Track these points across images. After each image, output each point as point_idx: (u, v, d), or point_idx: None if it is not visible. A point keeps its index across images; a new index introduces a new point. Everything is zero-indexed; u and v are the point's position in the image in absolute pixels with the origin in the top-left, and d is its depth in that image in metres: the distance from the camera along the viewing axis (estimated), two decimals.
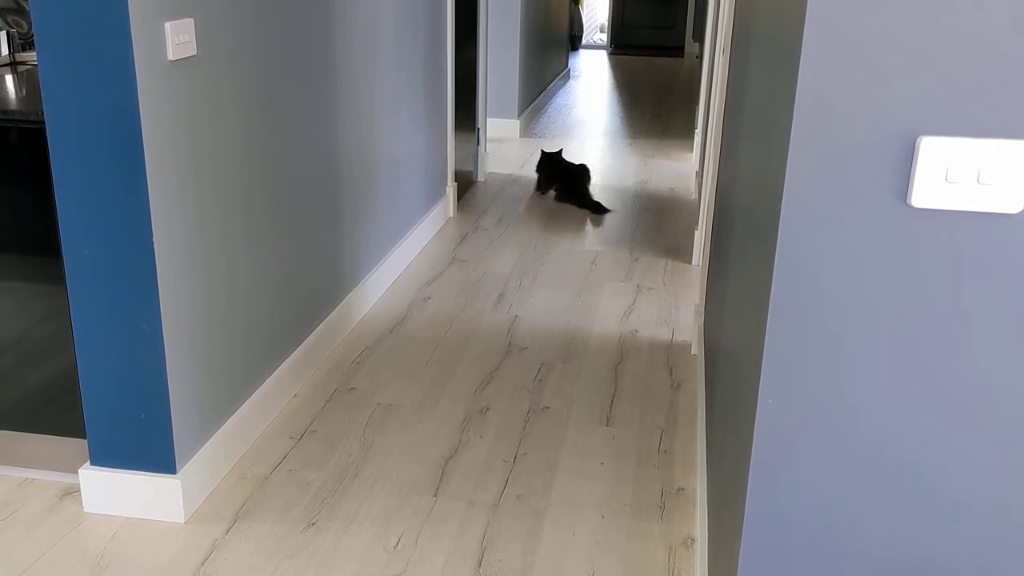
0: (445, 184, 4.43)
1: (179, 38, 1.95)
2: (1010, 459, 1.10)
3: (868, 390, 1.11)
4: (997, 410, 1.08)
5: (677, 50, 10.63)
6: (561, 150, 5.11)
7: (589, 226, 4.41)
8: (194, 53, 2.02)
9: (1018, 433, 1.09)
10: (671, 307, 3.46)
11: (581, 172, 4.95)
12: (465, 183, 4.89)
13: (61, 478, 2.27)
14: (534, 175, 5.21)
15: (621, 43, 10.78)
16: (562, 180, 4.89)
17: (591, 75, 9.15)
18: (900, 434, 1.11)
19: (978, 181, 0.99)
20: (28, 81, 2.41)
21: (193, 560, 2.01)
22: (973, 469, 1.11)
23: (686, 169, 5.55)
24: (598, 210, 4.65)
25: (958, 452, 1.11)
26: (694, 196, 4.95)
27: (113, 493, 2.14)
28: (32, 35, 2.68)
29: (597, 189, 5.04)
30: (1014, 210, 1.00)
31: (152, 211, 1.93)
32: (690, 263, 3.93)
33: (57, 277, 2.13)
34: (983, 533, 1.14)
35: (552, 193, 4.90)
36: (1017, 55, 0.96)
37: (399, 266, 3.71)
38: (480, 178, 5.19)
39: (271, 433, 2.52)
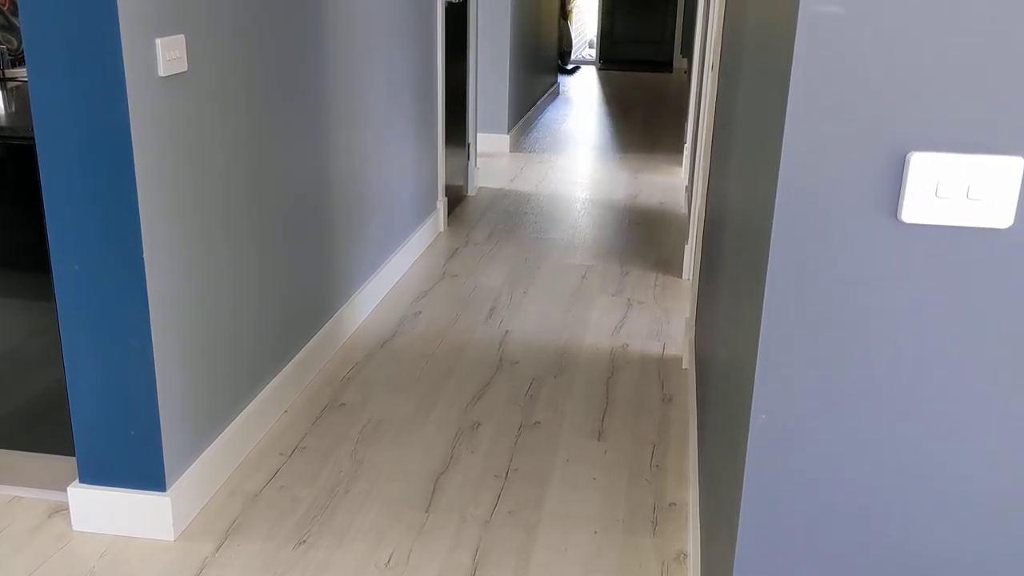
0: (435, 199, 4.43)
1: (170, 54, 1.95)
2: (1002, 478, 1.10)
3: (860, 406, 1.11)
4: (990, 427, 1.09)
5: (666, 65, 10.69)
6: None
7: (579, 240, 4.42)
8: (185, 69, 2.02)
9: (1009, 451, 1.09)
10: (662, 321, 3.46)
11: None
12: (455, 198, 4.90)
13: (50, 496, 2.25)
14: (524, 189, 5.22)
15: (610, 58, 10.82)
16: None
17: (580, 90, 9.19)
18: (892, 450, 1.12)
19: (968, 196, 1.00)
20: (18, 97, 2.40)
21: None
22: (967, 487, 1.11)
23: (676, 183, 5.57)
24: None
25: (950, 468, 1.11)
26: (684, 210, 4.97)
27: (102, 511, 2.12)
28: (22, 51, 2.68)
29: (587, 204, 5.06)
30: (1003, 225, 1.01)
31: (142, 227, 1.93)
32: (680, 277, 3.94)
33: (46, 293, 2.13)
34: (981, 547, 1.14)
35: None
36: (1005, 71, 0.97)
37: (390, 281, 3.71)
38: (471, 192, 5.20)
39: (261, 449, 2.51)
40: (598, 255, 4.22)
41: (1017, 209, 1.01)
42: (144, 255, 1.94)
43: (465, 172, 5.12)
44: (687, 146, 5.45)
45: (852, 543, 1.17)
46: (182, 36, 2.00)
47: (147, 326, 1.98)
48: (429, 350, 3.15)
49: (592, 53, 11.94)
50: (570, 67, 10.32)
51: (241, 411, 2.44)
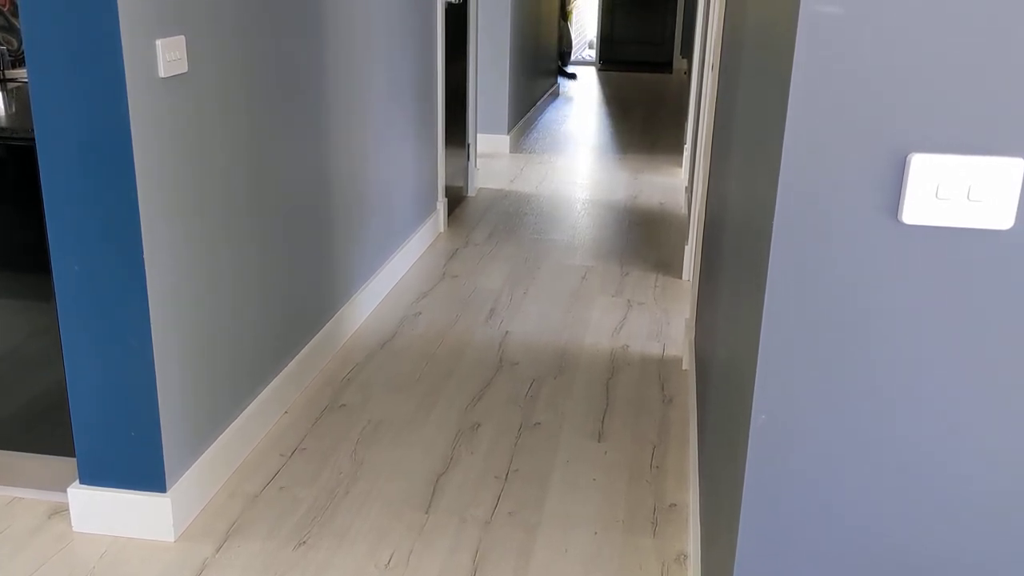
0: (436, 199, 4.44)
1: (170, 55, 1.95)
2: (1002, 478, 1.10)
3: (860, 406, 1.11)
4: (990, 427, 1.09)
5: (666, 66, 10.69)
6: None
7: (579, 241, 4.42)
8: (185, 70, 2.02)
9: (1009, 451, 1.09)
10: (662, 322, 3.46)
11: None
12: (456, 198, 4.90)
13: (50, 497, 2.25)
14: (524, 190, 5.22)
15: (610, 59, 10.83)
16: None
17: (580, 91, 9.19)
18: (892, 450, 1.12)
19: (968, 198, 1.00)
20: (18, 98, 2.40)
21: None
22: (967, 487, 1.11)
23: (675, 184, 5.57)
24: None
25: (950, 468, 1.11)
26: (684, 211, 4.97)
27: (102, 512, 2.12)
28: (22, 52, 2.67)
29: (586, 204, 5.06)
30: (1004, 226, 1.01)
31: (142, 227, 1.93)
32: (680, 278, 3.94)
33: (46, 293, 2.12)
34: (981, 547, 1.14)
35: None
36: (1005, 72, 0.97)
37: (390, 281, 3.71)
38: (471, 193, 5.20)
39: (261, 450, 2.51)
40: (598, 256, 4.22)
41: (1018, 210, 1.01)
42: (144, 255, 1.94)
43: (465, 173, 5.12)
44: (687, 147, 5.45)
45: (852, 543, 1.17)
46: (182, 37, 2.00)
47: (147, 326, 1.98)
48: (429, 351, 3.15)
49: (592, 54, 11.94)
50: (569, 71, 10.21)
51: (241, 412, 2.44)
